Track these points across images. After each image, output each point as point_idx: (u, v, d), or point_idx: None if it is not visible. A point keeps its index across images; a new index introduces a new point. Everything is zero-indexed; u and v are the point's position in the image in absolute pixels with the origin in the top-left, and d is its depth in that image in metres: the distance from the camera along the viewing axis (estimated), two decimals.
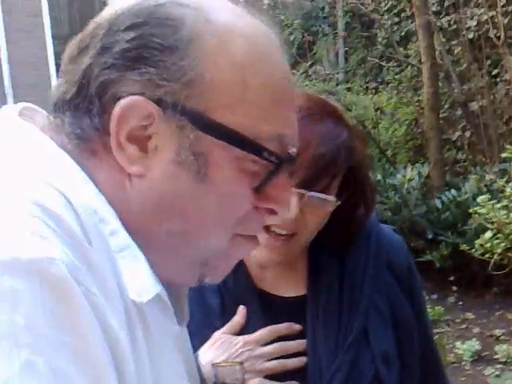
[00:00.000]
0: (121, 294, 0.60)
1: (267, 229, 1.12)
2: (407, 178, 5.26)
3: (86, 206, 0.60)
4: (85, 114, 0.64)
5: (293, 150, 0.68)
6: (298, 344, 1.17)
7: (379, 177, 5.44)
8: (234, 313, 1.18)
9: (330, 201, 1.14)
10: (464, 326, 4.42)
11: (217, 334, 1.16)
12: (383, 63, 6.79)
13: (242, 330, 1.17)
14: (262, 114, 0.65)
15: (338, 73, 6.99)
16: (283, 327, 1.17)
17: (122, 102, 0.62)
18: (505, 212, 3.84)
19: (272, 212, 0.69)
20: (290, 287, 1.23)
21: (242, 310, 1.17)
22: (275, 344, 1.15)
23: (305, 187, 1.11)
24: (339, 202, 1.15)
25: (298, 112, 1.10)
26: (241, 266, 1.21)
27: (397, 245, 1.26)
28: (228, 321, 1.17)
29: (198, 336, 1.03)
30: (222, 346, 1.14)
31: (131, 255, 0.63)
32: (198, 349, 1.09)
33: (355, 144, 1.17)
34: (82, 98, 0.64)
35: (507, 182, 4.12)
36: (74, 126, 0.65)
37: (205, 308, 1.19)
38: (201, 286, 1.13)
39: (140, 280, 0.63)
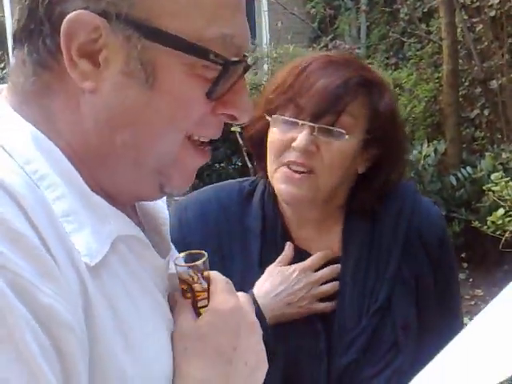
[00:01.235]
0: (70, 258, 0.61)
1: (286, 165, 1.19)
2: (423, 154, 5.26)
3: (23, 183, 0.60)
4: (38, 38, 0.65)
5: (244, 48, 0.69)
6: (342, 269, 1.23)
7: None
8: (272, 261, 1.24)
9: (341, 135, 1.18)
10: (473, 303, 4.47)
11: (270, 267, 1.22)
12: (405, 39, 6.74)
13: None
14: (205, 16, 0.66)
15: (359, 48, 6.96)
16: (329, 252, 1.24)
17: (68, 18, 0.63)
18: None
19: (232, 117, 0.71)
20: (325, 248, 1.26)
21: (290, 245, 1.25)
22: (325, 269, 1.23)
23: (314, 121, 1.18)
24: (347, 137, 1.17)
25: (318, 59, 1.21)
26: (279, 222, 1.28)
27: (432, 216, 1.27)
28: (266, 268, 1.23)
29: (240, 280, 1.08)
30: (278, 277, 1.21)
31: (76, 220, 0.63)
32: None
33: (373, 90, 1.21)
34: (34, 22, 0.65)
35: None
36: (32, 53, 0.66)
37: (246, 255, 1.25)
38: (245, 235, 1.24)
39: (90, 241, 0.64)
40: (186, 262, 0.78)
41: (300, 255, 1.26)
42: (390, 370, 1.18)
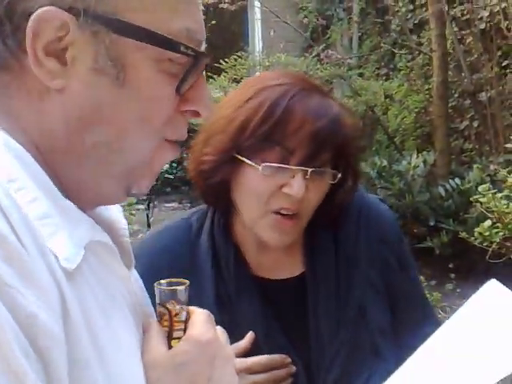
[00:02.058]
0: (47, 263, 0.59)
1: (277, 212, 1.14)
2: (413, 165, 5.30)
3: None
4: None
5: (202, 44, 0.69)
6: (288, 371, 1.16)
7: (385, 163, 5.49)
8: (229, 301, 1.19)
9: (330, 174, 1.15)
10: None
11: None
12: (396, 50, 6.79)
13: (244, 322, 1.16)
14: (170, 10, 0.65)
15: (350, 58, 6.99)
16: (279, 360, 1.15)
17: (35, 16, 0.61)
18: (505, 202, 3.88)
19: (195, 114, 0.70)
20: (288, 269, 1.24)
21: (250, 336, 1.16)
22: (265, 374, 1.13)
23: (306, 164, 1.12)
24: (339, 175, 1.16)
25: (289, 90, 1.13)
26: (236, 255, 1.22)
27: (386, 215, 1.27)
28: (225, 313, 1.15)
29: None
30: None
31: (52, 223, 0.61)
32: None
33: (345, 116, 1.17)
34: None
35: (509, 172, 4.16)
36: None
37: (201, 296, 1.16)
38: (199, 276, 1.16)
39: (66, 245, 0.61)
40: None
41: (259, 285, 1.22)
42: (376, 378, 1.16)
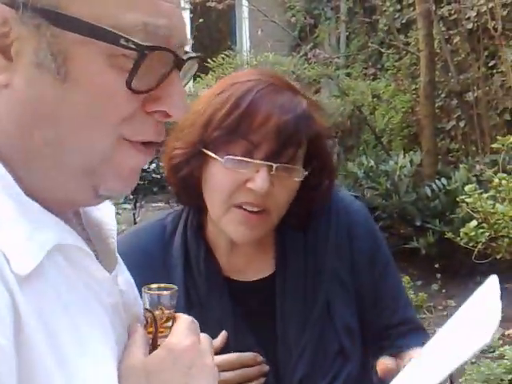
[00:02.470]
0: (1, 273, 0.57)
1: (240, 206, 1.12)
2: (399, 165, 5.29)
3: None
4: None
5: (174, 41, 0.65)
6: (260, 370, 1.15)
7: (372, 163, 5.49)
8: (199, 303, 1.17)
9: (298, 171, 1.13)
10: (445, 313, 4.48)
11: None
12: (383, 50, 6.79)
13: (214, 322, 1.15)
14: (121, 3, 0.62)
15: (338, 57, 6.99)
16: (249, 358, 1.14)
17: None
18: (491, 202, 3.88)
19: (164, 114, 0.67)
20: (259, 270, 1.22)
21: (223, 334, 1.15)
22: (236, 371, 1.13)
23: (271, 159, 1.10)
24: (307, 172, 1.14)
25: (257, 85, 1.12)
26: (207, 256, 1.20)
27: (357, 213, 1.25)
28: (195, 313, 1.12)
29: None
30: None
31: (7, 227, 0.60)
32: None
33: (315, 115, 1.16)
34: None
35: (495, 172, 4.16)
36: None
37: None
38: (170, 277, 1.13)
39: (22, 249, 0.60)
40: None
41: (228, 286, 1.20)
42: (341, 378, 1.16)
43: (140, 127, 0.66)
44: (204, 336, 0.76)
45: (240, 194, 1.12)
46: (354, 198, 1.30)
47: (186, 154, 1.15)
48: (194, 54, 0.70)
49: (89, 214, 0.76)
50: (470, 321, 0.79)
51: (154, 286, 0.77)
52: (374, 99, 6.33)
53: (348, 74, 6.74)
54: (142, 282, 1.17)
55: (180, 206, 1.29)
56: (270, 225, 1.17)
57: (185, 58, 0.67)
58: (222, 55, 6.14)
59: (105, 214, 0.78)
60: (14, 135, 0.64)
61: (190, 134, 1.16)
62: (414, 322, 1.29)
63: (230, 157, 1.11)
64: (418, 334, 1.24)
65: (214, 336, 1.13)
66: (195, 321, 0.76)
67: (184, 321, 0.75)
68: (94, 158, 0.65)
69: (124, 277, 0.79)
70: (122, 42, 0.61)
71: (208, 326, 1.10)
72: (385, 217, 5.04)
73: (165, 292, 0.76)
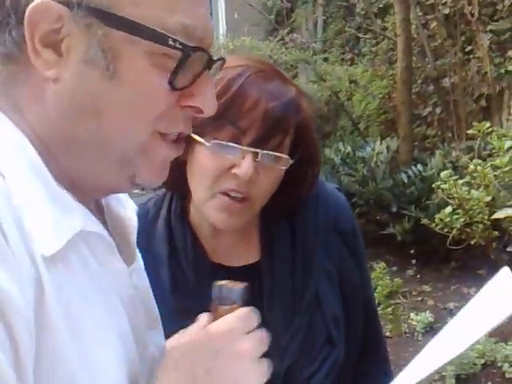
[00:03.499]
0: (26, 245, 0.61)
1: (224, 193, 1.11)
2: (376, 151, 5.29)
3: None
4: (5, 30, 0.67)
5: (206, 42, 0.71)
6: None
7: (349, 149, 5.47)
8: (186, 288, 1.17)
9: (284, 159, 1.12)
10: (420, 299, 4.51)
11: (178, 334, 1.14)
12: (360, 35, 6.76)
13: (200, 305, 1.16)
14: (167, 6, 0.67)
15: (315, 42, 6.94)
16: None
17: (30, 7, 0.64)
18: (466, 188, 3.89)
19: (197, 110, 0.72)
20: (243, 256, 1.22)
21: (208, 316, 1.16)
22: None
23: (258, 146, 1.09)
24: (292, 161, 1.14)
25: (247, 70, 1.11)
26: (193, 241, 1.20)
27: (342, 206, 1.27)
28: (182, 298, 1.15)
29: None
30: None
31: (36, 209, 0.64)
32: None
33: (302, 103, 1.15)
34: (2, 15, 0.67)
35: (471, 158, 4.17)
36: None
37: (156, 283, 1.14)
38: (154, 262, 1.15)
39: (48, 231, 0.64)
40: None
41: (216, 271, 1.20)
42: (328, 365, 1.16)
43: (173, 121, 0.71)
44: (258, 332, 0.78)
45: (225, 179, 1.11)
46: (337, 191, 1.31)
47: None
48: (223, 56, 0.77)
49: (112, 209, 0.81)
50: (483, 306, 0.79)
51: (226, 282, 0.80)
52: (352, 85, 6.30)
53: (325, 59, 6.69)
54: None
55: (158, 191, 1.28)
56: (252, 213, 1.16)
57: (215, 58, 0.73)
58: None
59: (127, 211, 0.83)
60: (59, 125, 0.68)
61: None
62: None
63: (217, 141, 1.10)
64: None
65: None
66: (253, 312, 0.78)
67: (240, 310, 0.78)
68: (131, 150, 0.70)
69: (141, 274, 0.85)
70: (170, 42, 0.66)
71: (195, 310, 1.15)
72: (361, 203, 5.04)
73: (235, 286, 0.79)
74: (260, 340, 0.77)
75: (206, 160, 1.11)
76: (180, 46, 0.67)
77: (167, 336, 1.14)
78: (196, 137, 1.11)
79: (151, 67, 0.67)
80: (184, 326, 1.17)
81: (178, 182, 1.17)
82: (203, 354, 0.72)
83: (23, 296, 0.58)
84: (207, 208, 1.14)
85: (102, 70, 0.66)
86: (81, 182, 0.71)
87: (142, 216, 1.21)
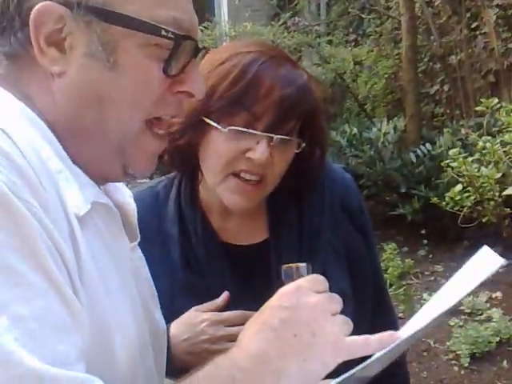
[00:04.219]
0: (63, 208, 0.70)
1: (237, 175, 1.15)
2: (383, 131, 5.22)
3: (22, 136, 0.69)
4: (10, 33, 0.74)
5: (193, 33, 0.78)
6: None
7: (355, 130, 5.41)
8: (196, 266, 1.21)
9: (295, 143, 1.17)
10: (432, 278, 4.47)
11: (190, 310, 1.17)
12: (364, 15, 6.67)
13: (215, 284, 1.20)
14: (155, 1, 0.75)
15: (318, 25, 6.86)
16: (253, 314, 1.16)
17: (34, 9, 0.72)
18: (476, 166, 3.83)
19: (188, 94, 0.80)
20: (252, 235, 1.26)
21: (225, 294, 1.19)
22: (240, 327, 1.11)
23: (272, 131, 1.13)
24: (304, 144, 1.18)
25: (260, 57, 1.14)
26: (202, 221, 1.24)
27: (349, 184, 1.30)
28: (190, 274, 1.20)
29: (161, 288, 0.99)
30: (187, 323, 1.15)
31: (65, 177, 0.72)
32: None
33: (313, 86, 1.19)
34: (6, 19, 0.74)
35: (480, 136, 4.10)
36: (4, 46, 0.75)
37: (167, 261, 1.21)
38: (165, 243, 1.21)
39: (77, 196, 0.73)
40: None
41: (225, 249, 1.23)
42: None
43: (167, 106, 0.79)
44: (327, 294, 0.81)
45: (239, 162, 1.15)
46: (343, 170, 1.34)
47: (185, 123, 1.17)
48: (206, 45, 0.84)
49: (111, 195, 0.86)
50: (464, 274, 0.84)
51: (290, 264, 0.86)
52: (356, 66, 6.23)
53: (329, 42, 6.61)
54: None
55: (165, 175, 1.33)
56: (264, 194, 1.21)
57: (200, 47, 0.80)
58: (201, 27, 6.00)
59: (125, 197, 0.90)
60: (65, 113, 0.75)
61: (190, 103, 1.14)
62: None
63: (233, 127, 1.13)
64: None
65: (214, 296, 1.19)
66: (322, 279, 0.81)
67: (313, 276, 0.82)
68: (126, 138, 0.77)
69: (139, 255, 0.90)
70: (163, 32, 0.74)
71: (208, 289, 1.20)
72: (369, 185, 4.99)
73: (301, 264, 0.85)
74: (329, 297, 0.79)
75: (221, 144, 1.15)
76: (172, 36, 0.75)
77: (178, 311, 1.16)
78: (211, 122, 1.15)
79: (146, 57, 0.74)
80: (193, 301, 1.18)
81: (186, 163, 1.23)
82: (276, 307, 0.77)
83: (63, 241, 0.67)
84: (220, 189, 1.18)
85: (103, 62, 0.73)
86: (85, 169, 0.77)
87: (152, 197, 1.29)
